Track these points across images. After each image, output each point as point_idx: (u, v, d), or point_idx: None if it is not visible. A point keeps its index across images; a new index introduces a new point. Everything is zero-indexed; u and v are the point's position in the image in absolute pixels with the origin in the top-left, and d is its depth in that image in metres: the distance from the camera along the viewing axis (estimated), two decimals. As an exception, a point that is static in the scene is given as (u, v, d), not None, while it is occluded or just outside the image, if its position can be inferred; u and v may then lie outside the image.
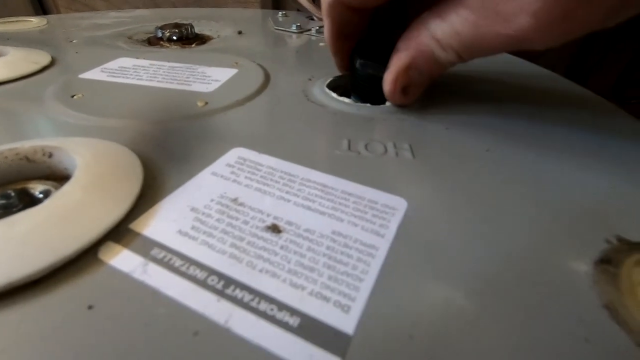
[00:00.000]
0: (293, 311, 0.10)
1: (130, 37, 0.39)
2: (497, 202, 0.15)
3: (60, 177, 0.15)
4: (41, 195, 0.14)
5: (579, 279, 0.12)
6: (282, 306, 0.10)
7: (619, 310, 0.10)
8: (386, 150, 0.18)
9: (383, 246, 0.12)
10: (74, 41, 0.36)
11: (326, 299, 0.11)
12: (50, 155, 0.15)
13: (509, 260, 0.12)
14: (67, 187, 0.13)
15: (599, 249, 0.13)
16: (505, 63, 0.33)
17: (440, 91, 0.25)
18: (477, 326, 0.10)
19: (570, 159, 0.18)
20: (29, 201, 0.14)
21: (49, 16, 0.48)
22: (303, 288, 0.11)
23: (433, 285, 0.11)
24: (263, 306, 0.10)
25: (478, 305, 0.11)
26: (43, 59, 0.29)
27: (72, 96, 0.22)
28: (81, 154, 0.15)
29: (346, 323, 0.10)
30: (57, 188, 0.14)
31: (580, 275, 0.12)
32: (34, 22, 0.43)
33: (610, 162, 0.18)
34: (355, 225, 0.13)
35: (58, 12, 0.70)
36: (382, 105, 0.22)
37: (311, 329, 0.10)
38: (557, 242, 0.13)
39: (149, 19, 0.46)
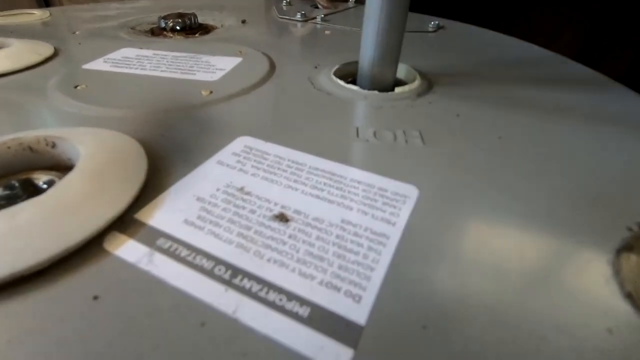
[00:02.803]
0: (303, 301, 0.10)
1: (133, 28, 0.39)
2: (511, 190, 0.14)
3: (64, 168, 0.15)
4: (45, 186, 0.14)
5: (601, 268, 0.11)
6: (291, 296, 0.10)
7: (643, 300, 0.10)
8: (395, 137, 0.18)
9: (394, 235, 0.12)
10: (77, 32, 0.36)
11: (337, 288, 0.10)
12: (54, 145, 0.15)
13: (525, 250, 0.12)
14: (70, 176, 0.13)
15: (621, 237, 0.12)
16: (516, 49, 0.33)
17: (451, 78, 0.25)
18: (494, 316, 0.10)
19: (586, 146, 0.17)
20: (33, 191, 0.14)
21: (52, 8, 0.47)
22: (313, 277, 0.11)
23: (447, 274, 0.11)
24: (272, 296, 0.10)
25: (495, 294, 0.10)
26: (46, 50, 0.28)
27: (76, 87, 0.22)
28: (85, 144, 0.14)
29: (358, 313, 0.10)
30: (61, 178, 0.14)
31: (602, 264, 0.11)
32: (37, 15, 0.43)
33: (628, 149, 0.17)
34: (365, 213, 0.13)
35: (61, 4, 0.70)
36: (390, 92, 0.22)
37: (322, 320, 0.09)
38: (577, 230, 0.12)
39: (152, 10, 0.46)
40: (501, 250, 0.12)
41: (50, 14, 0.43)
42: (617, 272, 0.11)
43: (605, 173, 0.15)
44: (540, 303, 0.10)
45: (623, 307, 0.10)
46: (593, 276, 0.11)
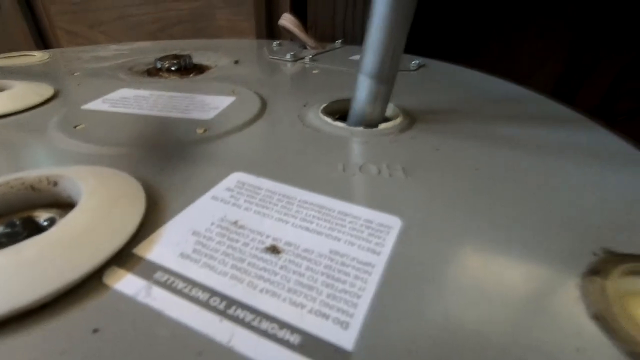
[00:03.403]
0: (293, 329, 0.10)
1: (130, 69, 0.40)
2: (488, 219, 0.15)
3: (64, 205, 0.16)
4: (46, 223, 0.15)
5: (569, 291, 0.12)
6: (282, 325, 0.11)
7: (608, 320, 0.11)
8: (380, 171, 0.19)
9: (379, 263, 0.13)
10: (76, 74, 0.37)
11: (325, 316, 0.11)
12: (55, 184, 0.16)
13: (500, 274, 0.13)
14: (72, 214, 0.13)
15: (587, 262, 0.13)
16: (494, 86, 0.35)
17: (432, 115, 0.26)
18: (475, 339, 0.10)
19: (557, 176, 0.19)
20: (34, 229, 0.14)
21: (51, 50, 0.49)
22: (303, 306, 0.11)
23: (430, 300, 0.12)
24: (264, 325, 0.11)
25: (476, 318, 0.11)
26: (46, 91, 0.30)
27: (75, 127, 0.23)
28: (85, 182, 0.15)
29: (345, 339, 0.10)
30: (61, 216, 0.15)
31: (570, 288, 0.12)
32: (37, 57, 0.44)
33: (598, 178, 0.19)
34: (352, 244, 0.14)
35: (60, 46, 0.72)
36: (375, 129, 0.23)
37: (311, 346, 0.10)
38: (547, 256, 0.13)
39: (149, 51, 0.48)
40: (479, 276, 0.13)
41: (50, 56, 0.45)
42: (584, 294, 0.12)
43: (573, 203, 0.17)
44: (517, 325, 0.11)
45: (590, 327, 0.11)
46: (563, 299, 0.12)
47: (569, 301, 0.12)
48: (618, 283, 0.12)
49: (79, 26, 0.72)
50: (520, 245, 0.14)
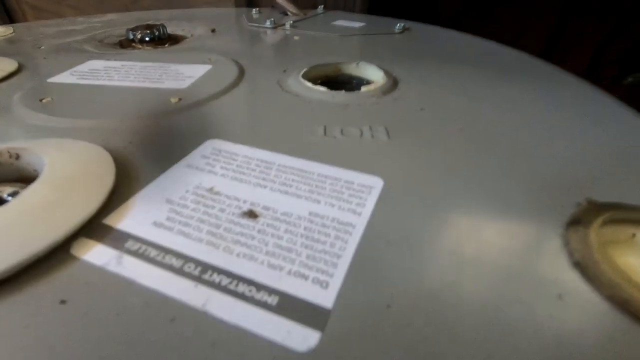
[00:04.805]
0: (271, 291, 0.10)
1: (101, 41, 0.38)
2: (471, 175, 0.15)
3: (29, 179, 0.15)
4: (9, 197, 0.14)
5: (552, 241, 0.12)
6: (260, 287, 0.10)
7: (590, 266, 0.11)
8: (362, 133, 0.18)
9: (360, 224, 0.13)
10: (42, 47, 0.35)
11: (304, 277, 0.11)
12: (18, 157, 0.15)
13: (484, 228, 0.12)
14: (34, 185, 0.13)
15: (570, 212, 0.13)
16: (479, 47, 0.34)
17: (415, 76, 0.26)
18: (452, 291, 0.10)
19: (543, 132, 0.18)
20: (-3, 204, 0.14)
21: (15, 25, 0.46)
22: (281, 268, 0.11)
23: (410, 257, 0.11)
24: (241, 288, 0.10)
25: (454, 271, 0.11)
26: (9, 66, 0.28)
27: (41, 100, 0.22)
28: (49, 154, 0.14)
29: (325, 298, 0.10)
30: (26, 189, 0.14)
31: (552, 238, 0.12)
32: (0, 31, 0.41)
33: (582, 132, 0.18)
34: (332, 205, 0.13)
35: (25, 20, 0.68)
36: (356, 91, 0.22)
37: (290, 306, 0.10)
38: (532, 207, 0.13)
39: (120, 23, 0.45)
40: (461, 233, 0.12)
41: (14, 31, 0.42)
42: (566, 243, 0.12)
43: (558, 156, 0.16)
44: (498, 278, 0.11)
45: (571, 275, 0.11)
46: (545, 249, 0.12)
47: (551, 251, 0.11)
48: (599, 231, 0.12)
49: (45, 1, 0.68)
50: (505, 202, 0.14)
